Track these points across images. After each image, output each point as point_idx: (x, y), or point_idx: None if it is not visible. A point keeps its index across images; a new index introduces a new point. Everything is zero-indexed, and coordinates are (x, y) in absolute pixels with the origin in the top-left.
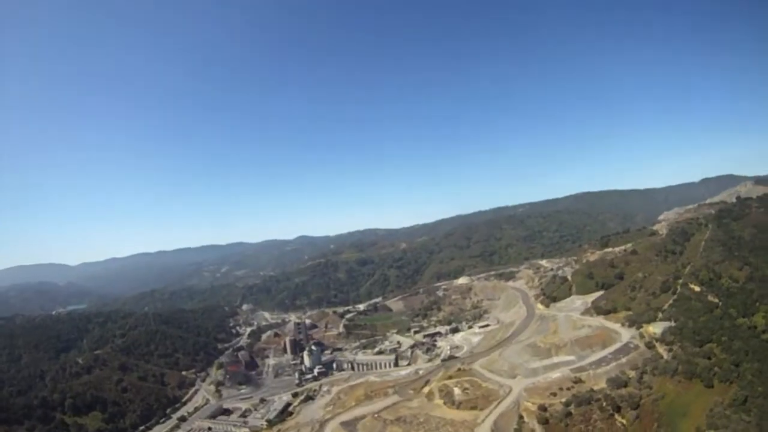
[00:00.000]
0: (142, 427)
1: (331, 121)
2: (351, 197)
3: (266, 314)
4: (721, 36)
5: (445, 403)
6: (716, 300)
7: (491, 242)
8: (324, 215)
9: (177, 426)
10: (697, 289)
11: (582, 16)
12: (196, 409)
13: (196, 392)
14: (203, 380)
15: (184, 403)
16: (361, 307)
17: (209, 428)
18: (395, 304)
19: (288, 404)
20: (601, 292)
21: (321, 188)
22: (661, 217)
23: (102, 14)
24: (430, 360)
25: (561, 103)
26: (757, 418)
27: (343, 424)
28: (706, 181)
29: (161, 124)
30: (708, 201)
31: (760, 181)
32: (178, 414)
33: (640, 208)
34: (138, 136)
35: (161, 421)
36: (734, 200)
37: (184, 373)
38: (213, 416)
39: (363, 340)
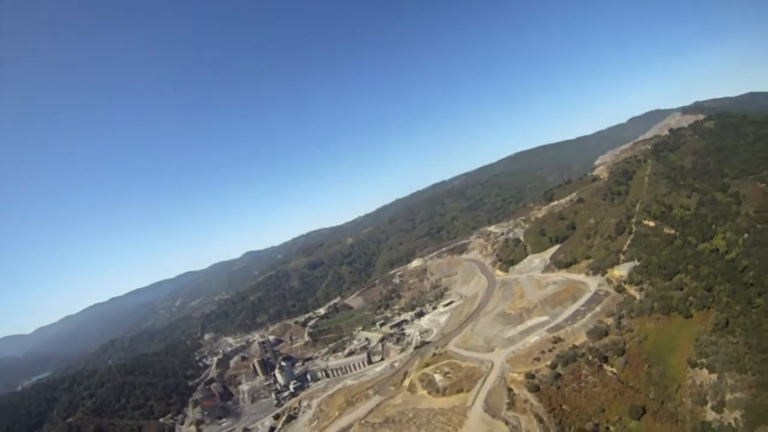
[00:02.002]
0: None
1: (255, 132)
2: (289, 203)
3: (229, 339)
4: None
5: (429, 393)
6: (673, 231)
7: (436, 219)
8: (265, 227)
9: None
10: (651, 224)
11: None
12: None
13: None
14: (182, 423)
15: None
16: (322, 311)
17: None
18: (354, 300)
19: (272, 429)
20: (557, 247)
21: (257, 201)
22: (597, 162)
23: None
24: (402, 350)
25: (479, 68)
26: (743, 337)
27: None
28: (634, 120)
29: (75, 168)
30: (641, 138)
31: (687, 110)
32: None
33: (575, 157)
34: (60, 186)
35: None
36: (667, 132)
37: (161, 420)
38: None
39: (331, 345)
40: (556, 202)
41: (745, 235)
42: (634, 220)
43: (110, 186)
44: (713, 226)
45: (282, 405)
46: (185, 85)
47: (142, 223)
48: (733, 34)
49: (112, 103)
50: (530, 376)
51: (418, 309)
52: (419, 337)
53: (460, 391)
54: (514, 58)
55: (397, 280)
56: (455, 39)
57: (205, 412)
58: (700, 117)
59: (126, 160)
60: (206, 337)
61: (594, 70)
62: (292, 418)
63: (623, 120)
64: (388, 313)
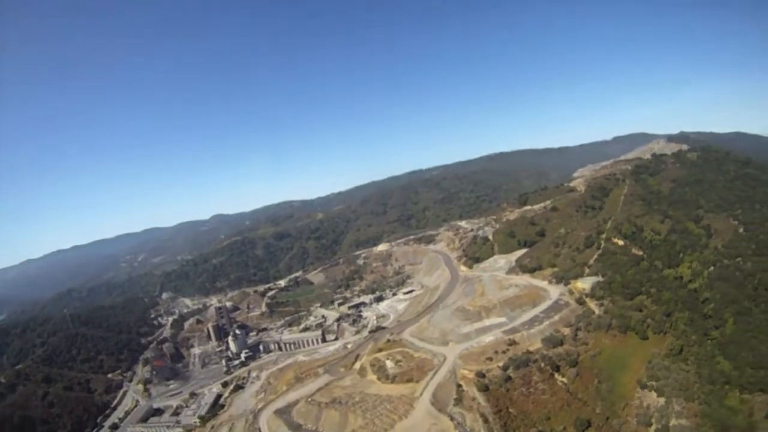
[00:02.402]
0: None
1: (238, 97)
2: (264, 170)
3: (187, 300)
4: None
5: (378, 379)
6: (641, 253)
7: (408, 206)
8: (238, 191)
9: None
10: (620, 243)
11: None
12: (127, 413)
13: (124, 394)
14: (130, 380)
15: (114, 408)
16: (282, 283)
17: None
18: (316, 276)
19: (219, 396)
20: (524, 251)
21: (233, 164)
22: (576, 174)
23: None
24: (357, 332)
25: (474, 63)
26: (695, 366)
27: (278, 412)
28: (618, 139)
29: (62, 114)
30: (623, 157)
31: (672, 138)
32: (109, 422)
33: (554, 166)
34: (41, 129)
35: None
36: (649, 156)
37: (110, 375)
38: (144, 419)
39: (287, 318)
40: (529, 207)
41: (711, 268)
42: (604, 236)
43: (82, 129)
44: (681, 254)
45: (231, 373)
46: (168, 33)
47: (112, 172)
48: (729, 71)
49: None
50: (481, 374)
51: (378, 293)
52: (375, 322)
53: (409, 380)
54: (510, 59)
55: (361, 262)
56: (457, 31)
57: (154, 372)
58: (684, 147)
59: (102, 105)
60: (164, 296)
61: (585, 85)
62: (239, 387)
63: (608, 137)
64: (347, 294)
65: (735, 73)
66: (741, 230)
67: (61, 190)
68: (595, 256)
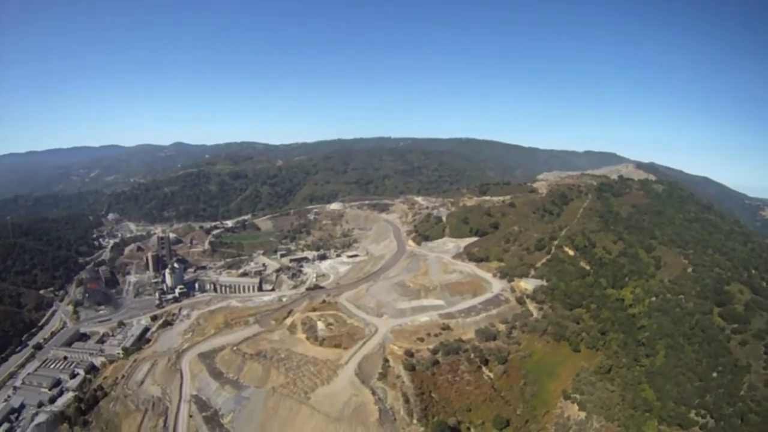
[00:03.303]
0: None
1: (216, 34)
2: (233, 107)
3: (132, 225)
4: (632, 26)
5: (307, 338)
6: (588, 267)
7: (369, 171)
8: (203, 123)
9: (32, 355)
10: (571, 253)
11: None
12: (53, 334)
13: (53, 314)
14: (61, 300)
15: (41, 328)
16: (230, 223)
17: (65, 357)
18: (264, 223)
19: (146, 329)
20: (474, 239)
21: (202, 95)
22: (540, 177)
23: None
24: (295, 287)
25: (456, 47)
26: (620, 388)
27: (201, 356)
28: (589, 154)
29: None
30: (590, 172)
31: (641, 166)
32: (34, 341)
33: (520, 164)
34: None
35: (17, 350)
36: (616, 177)
37: (42, 292)
38: (69, 343)
39: (228, 260)
40: (488, 198)
41: (653, 298)
42: (556, 242)
43: (54, 31)
44: (627, 278)
45: (163, 307)
46: None
47: (78, 80)
48: (710, 119)
49: None
50: (410, 354)
51: (322, 251)
52: (314, 280)
53: (337, 346)
54: (498, 48)
55: (311, 217)
56: (450, 16)
57: (87, 295)
58: (652, 177)
59: (86, 12)
60: (110, 216)
61: (569, 93)
62: (168, 323)
63: (579, 149)
64: (292, 246)
65: (716, 120)
66: (689, 269)
67: (22, 92)
68: (544, 260)
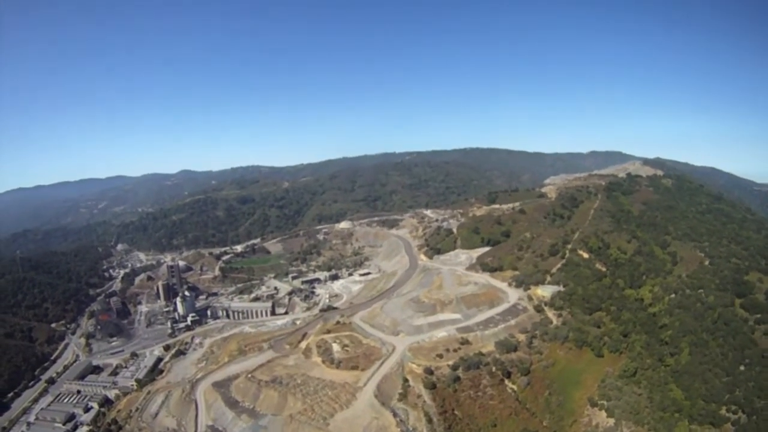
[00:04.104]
0: (10, 394)
1: (218, 59)
2: (237, 131)
3: (141, 255)
4: (629, 23)
5: (323, 362)
6: (604, 269)
7: (376, 187)
8: (209, 150)
9: (45, 390)
10: (585, 256)
11: None
12: (66, 368)
13: (66, 347)
14: (73, 332)
15: (54, 361)
16: (239, 248)
17: (78, 391)
18: (274, 246)
19: (159, 359)
20: (487, 248)
21: (206, 121)
22: (547, 181)
23: None
24: (308, 309)
25: (453, 58)
26: (647, 390)
27: (216, 385)
28: (594, 154)
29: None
30: (596, 172)
31: (648, 162)
32: (47, 375)
33: (527, 169)
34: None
35: (30, 384)
36: (624, 176)
37: (53, 325)
38: (82, 376)
39: (240, 285)
40: (497, 206)
41: (672, 295)
42: (569, 246)
43: (58, 69)
44: (644, 277)
45: (175, 336)
46: None
47: (83, 115)
48: (713, 108)
49: None
50: (429, 371)
51: (334, 271)
52: (328, 300)
53: (355, 368)
54: (497, 57)
55: (321, 237)
56: (446, 26)
57: (99, 327)
58: (660, 172)
59: (81, 48)
60: (119, 247)
61: (569, 95)
62: (181, 353)
63: (583, 150)
64: (303, 267)
65: (718, 111)
66: (707, 263)
67: (29, 128)
68: (559, 266)
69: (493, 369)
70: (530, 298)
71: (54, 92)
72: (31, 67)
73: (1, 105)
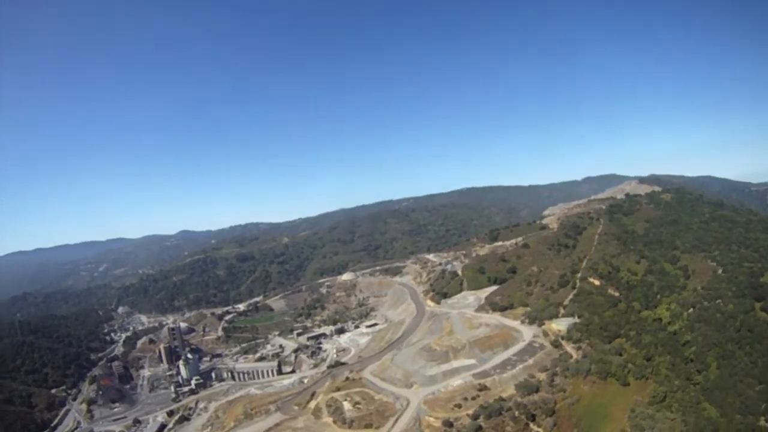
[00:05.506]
0: None
1: (211, 117)
2: (234, 190)
3: (143, 317)
4: (607, 42)
5: (335, 422)
6: (617, 294)
7: (376, 236)
8: (207, 209)
9: None
10: (596, 283)
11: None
12: None
13: (66, 413)
14: (74, 398)
15: (54, 429)
16: (242, 307)
17: None
18: (277, 303)
19: (163, 426)
20: (494, 287)
21: (203, 182)
22: (546, 212)
23: None
24: (315, 365)
25: (439, 102)
26: (680, 413)
27: None
28: (589, 180)
29: (34, 117)
30: (595, 197)
31: (644, 180)
32: None
33: (524, 203)
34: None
35: None
36: (623, 197)
37: (53, 391)
38: None
39: (244, 344)
40: (500, 243)
41: (690, 310)
42: (579, 275)
43: (53, 133)
44: (659, 296)
45: (179, 401)
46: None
47: (81, 178)
48: (701, 116)
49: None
50: (448, 423)
51: (339, 325)
52: (335, 356)
53: (368, 426)
54: (480, 95)
55: (324, 290)
56: (435, 61)
57: (100, 392)
58: (657, 188)
59: (75, 106)
60: (120, 310)
61: (556, 124)
62: (185, 419)
63: (578, 177)
64: (308, 323)
65: (706, 118)
66: (720, 271)
67: (27, 192)
68: (570, 296)
69: (516, 413)
70: (546, 334)
71: (53, 155)
72: (29, 131)
73: (1, 169)
